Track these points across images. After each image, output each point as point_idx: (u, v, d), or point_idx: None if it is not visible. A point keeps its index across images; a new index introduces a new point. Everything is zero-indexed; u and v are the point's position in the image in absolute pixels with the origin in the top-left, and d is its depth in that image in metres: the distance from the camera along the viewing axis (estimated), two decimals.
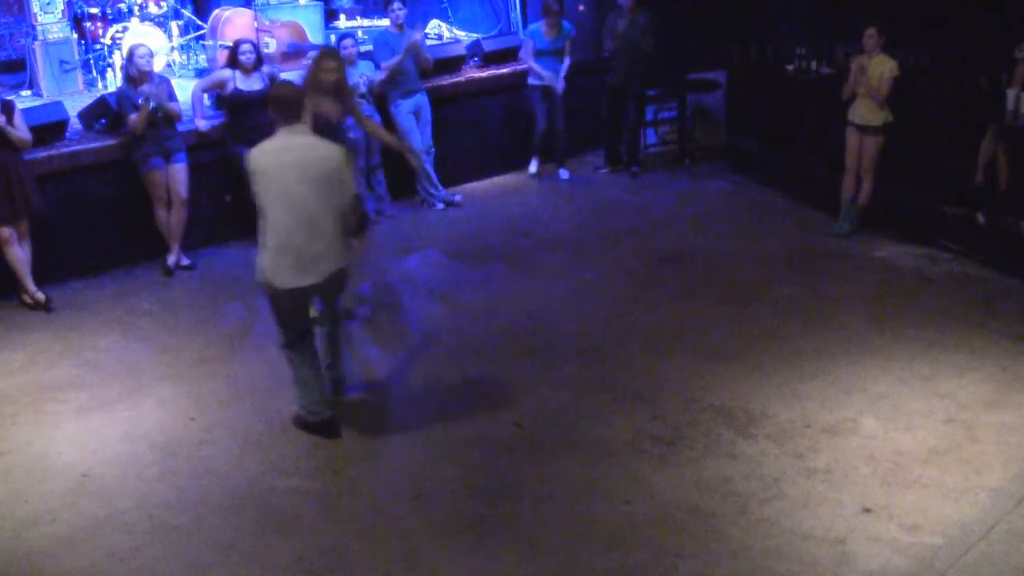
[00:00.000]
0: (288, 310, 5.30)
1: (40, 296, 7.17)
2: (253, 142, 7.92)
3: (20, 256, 7.08)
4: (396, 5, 8.79)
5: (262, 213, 5.13)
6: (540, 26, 9.61)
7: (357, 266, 6.49)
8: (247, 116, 7.84)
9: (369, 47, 9.32)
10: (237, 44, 8.03)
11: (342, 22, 11.63)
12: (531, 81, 9.63)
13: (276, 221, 5.08)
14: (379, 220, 8.66)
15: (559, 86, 9.57)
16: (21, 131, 6.98)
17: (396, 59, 8.58)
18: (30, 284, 7.15)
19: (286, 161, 5.08)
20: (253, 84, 7.92)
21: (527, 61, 9.64)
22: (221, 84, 7.95)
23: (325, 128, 6.27)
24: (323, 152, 5.14)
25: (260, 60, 8.08)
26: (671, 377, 5.95)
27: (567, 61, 9.58)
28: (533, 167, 10.03)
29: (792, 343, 6.30)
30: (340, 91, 6.52)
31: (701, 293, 7.16)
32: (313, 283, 5.16)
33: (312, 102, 6.20)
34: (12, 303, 7.21)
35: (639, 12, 9.48)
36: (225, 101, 8.01)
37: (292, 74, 9.93)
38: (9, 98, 7.34)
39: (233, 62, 7.93)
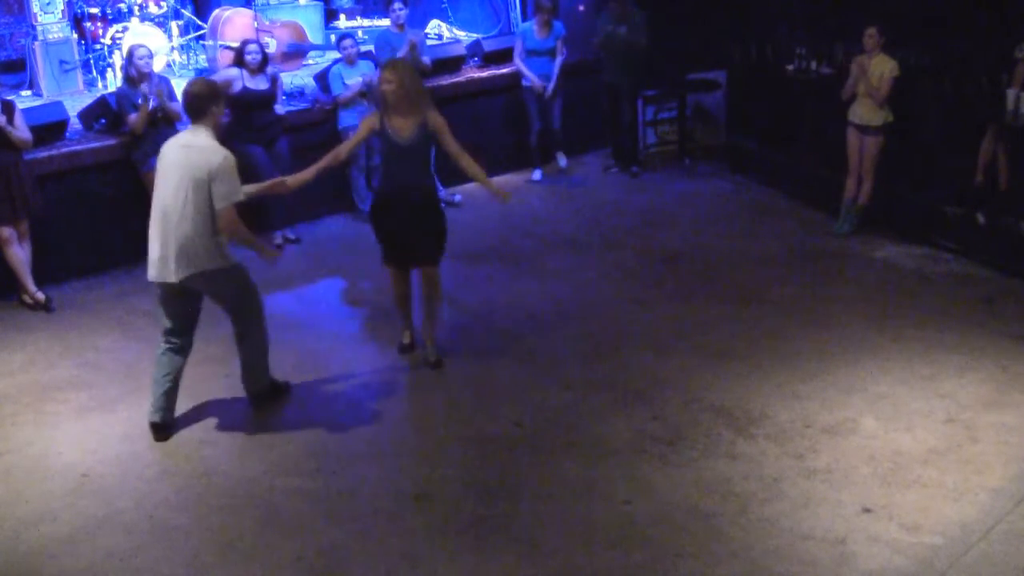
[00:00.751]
0: (159, 300, 5.36)
1: (40, 296, 7.17)
2: (259, 141, 8.05)
3: (20, 256, 7.08)
4: (397, 5, 8.80)
5: None
6: (531, 25, 9.58)
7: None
8: (253, 115, 7.98)
9: (369, 47, 9.33)
10: (244, 44, 8.11)
11: (342, 22, 11.64)
12: (525, 82, 9.60)
13: (153, 213, 5.22)
14: None
15: (549, 86, 9.48)
16: (21, 131, 6.98)
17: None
18: (30, 284, 7.14)
19: (174, 158, 5.17)
20: (259, 84, 8.01)
21: (516, 61, 9.62)
22: (228, 83, 7.96)
23: (389, 147, 5.80)
24: (206, 157, 5.09)
25: (266, 60, 8.13)
26: (671, 377, 5.95)
27: (558, 60, 9.51)
28: (537, 176, 9.93)
29: (792, 343, 6.30)
30: (401, 104, 5.72)
31: (701, 293, 7.15)
32: (172, 282, 5.17)
33: (381, 118, 5.82)
34: (12, 303, 7.21)
35: (630, 11, 9.44)
36: (231, 100, 8.01)
37: (293, 74, 9.99)
38: (9, 98, 7.34)
39: (239, 62, 7.97)
